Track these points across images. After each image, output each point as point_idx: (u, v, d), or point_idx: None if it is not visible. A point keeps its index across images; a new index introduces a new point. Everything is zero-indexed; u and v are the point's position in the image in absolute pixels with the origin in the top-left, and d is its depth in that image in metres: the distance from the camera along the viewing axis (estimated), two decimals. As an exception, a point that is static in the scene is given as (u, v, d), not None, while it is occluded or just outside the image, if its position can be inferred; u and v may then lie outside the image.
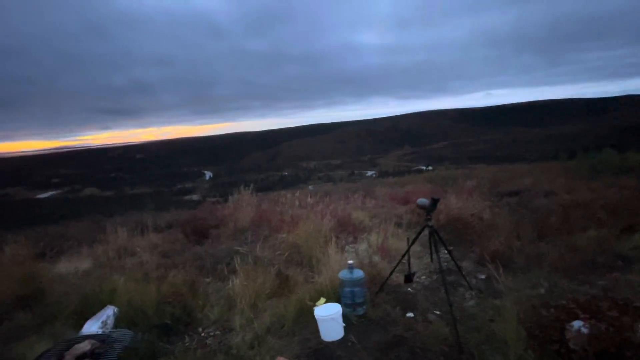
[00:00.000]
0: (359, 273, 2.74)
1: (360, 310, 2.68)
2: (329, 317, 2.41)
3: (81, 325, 2.64)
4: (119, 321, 2.72)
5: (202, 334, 2.67)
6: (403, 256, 2.98)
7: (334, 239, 3.64)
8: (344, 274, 2.75)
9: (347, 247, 4.17)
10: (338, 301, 2.68)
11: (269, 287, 3.02)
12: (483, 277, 3.23)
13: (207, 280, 3.38)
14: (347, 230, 4.84)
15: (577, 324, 2.00)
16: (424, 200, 2.77)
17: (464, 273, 3.05)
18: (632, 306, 2.10)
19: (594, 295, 2.26)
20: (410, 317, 2.63)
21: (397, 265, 3.00)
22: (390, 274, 2.97)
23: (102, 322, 2.62)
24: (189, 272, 3.41)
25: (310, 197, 6.35)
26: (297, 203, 5.83)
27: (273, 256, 3.67)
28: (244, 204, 5.87)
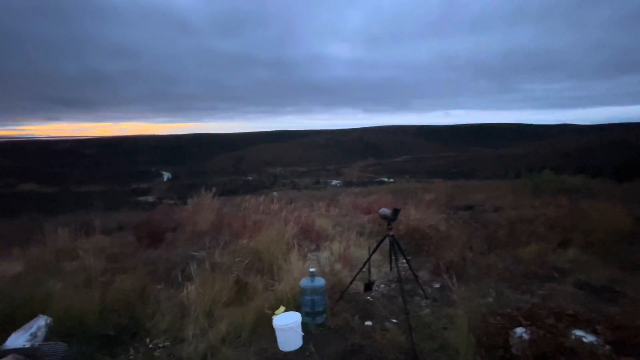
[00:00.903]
0: (320, 281, 2.73)
1: (319, 319, 2.66)
2: (287, 326, 2.37)
3: (5, 339, 2.33)
4: (52, 332, 2.43)
5: (150, 345, 2.48)
6: (364, 265, 3.02)
7: (296, 246, 3.61)
8: (305, 282, 2.72)
9: (309, 254, 4.15)
10: (298, 310, 2.64)
11: (226, 294, 2.90)
12: (438, 286, 3.37)
13: (159, 286, 3.17)
14: (310, 237, 4.83)
15: (519, 330, 2.15)
16: (385, 210, 2.85)
17: (420, 282, 3.16)
18: (566, 314, 2.31)
19: (534, 304, 2.45)
20: (368, 326, 2.66)
21: (358, 273, 3.04)
22: (351, 282, 3.00)
23: (31, 334, 2.32)
24: (140, 278, 3.17)
25: (275, 203, 6.27)
26: (260, 208, 5.71)
27: (232, 262, 3.53)
28: (205, 208, 5.64)
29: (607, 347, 1.95)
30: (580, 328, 2.15)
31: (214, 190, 6.14)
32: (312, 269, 2.76)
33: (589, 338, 2.03)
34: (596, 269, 3.64)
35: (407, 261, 3.10)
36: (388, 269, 3.56)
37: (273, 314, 2.56)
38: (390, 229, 2.78)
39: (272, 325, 2.40)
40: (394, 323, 2.70)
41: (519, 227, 5.25)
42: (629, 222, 5.48)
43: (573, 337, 2.03)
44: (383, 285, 3.47)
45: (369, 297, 3.15)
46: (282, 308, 2.65)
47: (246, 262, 3.54)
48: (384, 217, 2.81)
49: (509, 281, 3.21)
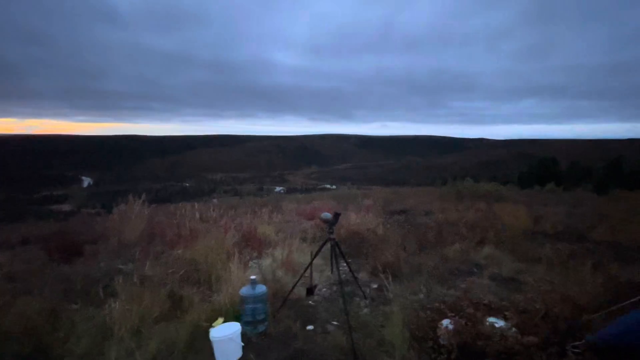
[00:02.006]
0: (261, 288, 2.67)
1: (261, 327, 2.59)
2: (225, 337, 2.26)
3: None
4: None
5: (62, 375, 2.15)
6: (305, 269, 3.04)
7: (237, 254, 3.48)
8: (245, 291, 2.64)
9: (251, 262, 4.03)
10: (238, 320, 2.54)
11: (157, 309, 2.67)
12: (375, 286, 3.55)
13: (75, 306, 2.78)
14: (252, 245, 4.70)
15: (445, 322, 2.37)
16: (327, 215, 2.92)
17: (359, 283, 3.29)
18: (483, 304, 2.61)
19: (457, 297, 2.73)
20: (310, 330, 2.67)
21: (300, 279, 3.05)
22: (293, 288, 2.99)
23: None
24: (49, 298, 2.74)
25: (214, 210, 5.98)
26: (197, 216, 5.39)
27: (165, 275, 3.27)
28: (133, 216, 5.13)
29: (514, 329, 2.25)
30: (493, 315, 2.45)
31: (143, 197, 5.63)
32: (252, 277, 2.69)
33: (500, 324, 2.33)
34: (505, 262, 4.20)
35: (348, 264, 3.20)
36: (329, 272, 3.64)
37: (210, 326, 2.42)
38: (332, 232, 2.85)
39: (209, 339, 2.27)
40: (334, 325, 2.76)
41: (445, 228, 5.81)
42: (529, 221, 6.44)
43: (488, 324, 2.31)
44: (325, 289, 3.53)
45: (310, 302, 3.17)
46: (220, 319, 2.52)
47: (181, 273, 3.31)
48: (326, 221, 2.88)
49: (437, 277, 3.52)
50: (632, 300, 2.33)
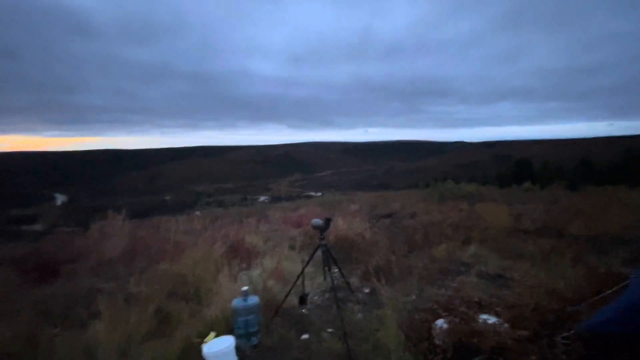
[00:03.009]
0: (253, 299, 2.62)
1: (255, 340, 2.53)
2: (219, 352, 2.19)
3: None
4: None
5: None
6: (298, 278, 3.01)
7: (225, 266, 3.40)
8: (237, 302, 2.58)
9: (240, 273, 3.95)
10: (231, 333, 2.47)
11: (145, 328, 2.55)
12: (367, 290, 3.55)
13: (55, 330, 2.62)
14: (241, 255, 4.61)
15: (439, 322, 2.40)
16: (317, 221, 2.91)
17: (352, 288, 3.28)
18: (474, 301, 2.66)
19: (449, 296, 2.77)
20: (305, 339, 2.63)
21: (292, 287, 3.01)
22: (285, 297, 2.95)
23: None
24: (26, 323, 2.58)
25: (198, 222, 5.85)
26: (181, 229, 5.25)
27: (151, 291, 3.15)
28: (114, 233, 4.93)
29: (506, 325, 2.30)
30: (485, 312, 2.50)
31: (124, 212, 5.44)
32: (244, 288, 2.64)
33: (492, 320, 2.37)
34: (491, 260, 4.30)
35: (339, 269, 3.19)
36: (321, 279, 3.61)
37: (202, 341, 2.34)
38: (323, 238, 2.84)
39: (201, 356, 2.19)
40: (329, 332, 2.73)
41: (431, 229, 5.91)
42: (511, 220, 6.65)
43: (481, 321, 2.35)
44: (317, 297, 3.49)
45: (304, 310, 3.13)
46: (212, 334, 2.44)
47: (168, 288, 3.20)
48: (317, 227, 2.87)
49: (427, 278, 3.56)
50: (612, 290, 2.44)
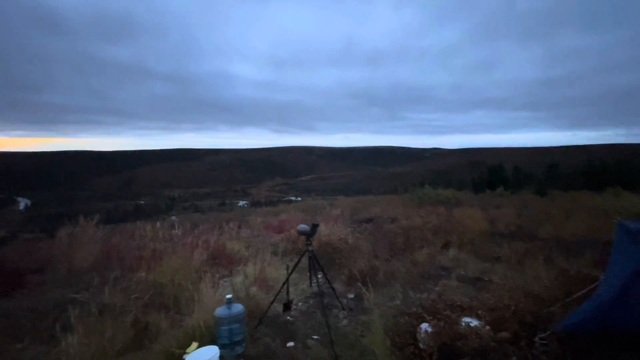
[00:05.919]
0: (238, 308, 2.55)
1: (239, 349, 2.46)
2: (203, 363, 2.11)
3: None
4: None
5: None
6: (283, 285, 2.97)
7: (207, 273, 3.30)
8: (221, 311, 2.50)
9: (221, 281, 3.85)
10: (214, 343, 2.39)
11: (121, 340, 2.43)
12: (352, 296, 3.55)
13: (20, 345, 2.44)
14: (222, 262, 4.49)
15: (424, 325, 2.43)
16: (304, 227, 2.89)
17: (337, 294, 3.27)
18: (456, 305, 2.72)
19: (433, 300, 2.81)
20: (290, 347, 2.59)
21: (277, 294, 2.96)
22: (270, 304, 2.90)
23: None
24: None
25: (177, 228, 5.65)
26: (159, 235, 5.05)
27: (127, 301, 3.00)
28: (85, 240, 4.68)
29: (487, 327, 2.37)
30: (467, 315, 2.56)
31: (96, 218, 5.18)
32: (228, 296, 2.57)
33: (474, 322, 2.43)
34: (470, 263, 4.44)
35: (325, 275, 3.18)
36: (305, 285, 3.58)
37: (184, 352, 2.25)
38: (309, 244, 2.82)
39: (184, 367, 2.11)
40: (315, 339, 2.70)
41: (412, 234, 6.02)
42: (486, 224, 6.90)
43: (464, 324, 2.40)
44: (301, 303, 3.46)
45: (288, 317, 3.08)
46: (194, 344, 2.36)
47: (145, 298, 3.06)
48: (303, 233, 2.84)
49: (410, 283, 3.62)
50: (583, 291, 2.57)
